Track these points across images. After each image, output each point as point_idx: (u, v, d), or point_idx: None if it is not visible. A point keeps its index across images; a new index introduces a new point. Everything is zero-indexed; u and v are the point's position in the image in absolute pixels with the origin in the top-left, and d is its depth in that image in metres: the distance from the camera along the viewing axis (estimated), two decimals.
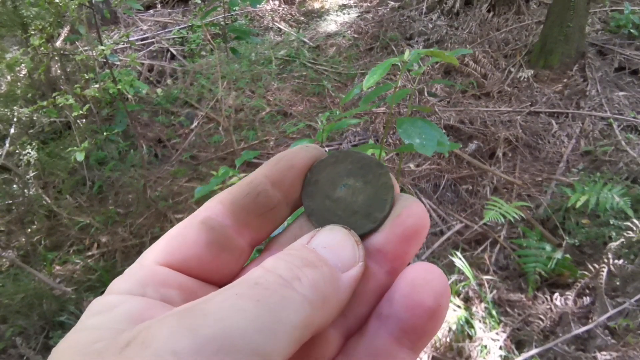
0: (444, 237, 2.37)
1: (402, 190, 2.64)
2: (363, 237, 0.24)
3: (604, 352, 1.71)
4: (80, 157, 2.11)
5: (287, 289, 0.19)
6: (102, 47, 2.29)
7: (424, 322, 0.22)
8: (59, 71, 3.36)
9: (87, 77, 2.72)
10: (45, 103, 2.31)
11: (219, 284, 0.22)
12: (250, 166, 2.94)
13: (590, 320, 1.87)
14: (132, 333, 0.17)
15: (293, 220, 0.27)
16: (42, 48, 2.94)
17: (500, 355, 1.78)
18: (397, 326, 0.22)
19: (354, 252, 0.23)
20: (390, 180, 0.26)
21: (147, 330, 0.17)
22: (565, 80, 3.55)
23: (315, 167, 0.26)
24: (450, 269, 2.15)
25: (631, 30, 3.90)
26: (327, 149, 3.09)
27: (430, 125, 1.20)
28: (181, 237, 0.24)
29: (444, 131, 3.05)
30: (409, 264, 0.24)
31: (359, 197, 0.26)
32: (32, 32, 2.83)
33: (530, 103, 3.35)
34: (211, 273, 0.25)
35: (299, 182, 0.26)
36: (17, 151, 3.00)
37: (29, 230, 2.63)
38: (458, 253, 2.15)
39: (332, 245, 0.22)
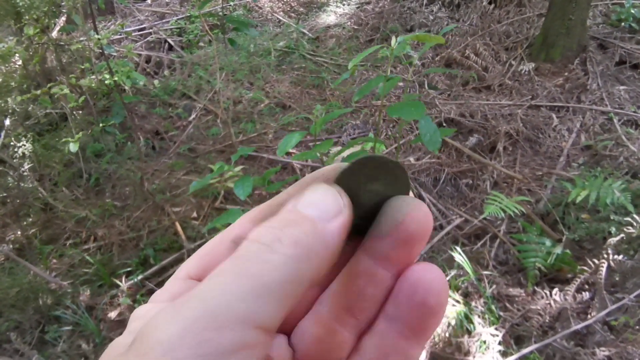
0: (444, 232, 2.35)
1: None
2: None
3: (602, 348, 1.70)
4: (74, 147, 2.08)
5: (268, 252, 0.19)
6: (98, 37, 2.25)
7: (427, 319, 0.24)
8: (54, 62, 3.31)
9: (82, 68, 2.68)
10: (38, 92, 2.27)
11: None
12: (248, 160, 2.92)
13: (589, 316, 1.86)
14: (140, 330, 0.18)
15: None
16: (37, 38, 2.89)
17: (499, 351, 1.78)
18: (403, 325, 0.24)
19: (337, 201, 0.23)
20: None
21: (146, 326, 0.18)
22: (566, 73, 3.52)
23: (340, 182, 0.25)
24: (449, 263, 2.14)
25: (632, 24, 3.86)
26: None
27: (419, 105, 1.24)
28: (213, 254, 0.26)
29: (444, 125, 3.03)
30: None
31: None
32: (27, 22, 2.78)
33: (531, 97, 3.33)
34: None
35: None
36: (12, 143, 2.97)
37: (24, 223, 2.60)
38: (457, 247, 2.13)
39: (315, 202, 0.22)
